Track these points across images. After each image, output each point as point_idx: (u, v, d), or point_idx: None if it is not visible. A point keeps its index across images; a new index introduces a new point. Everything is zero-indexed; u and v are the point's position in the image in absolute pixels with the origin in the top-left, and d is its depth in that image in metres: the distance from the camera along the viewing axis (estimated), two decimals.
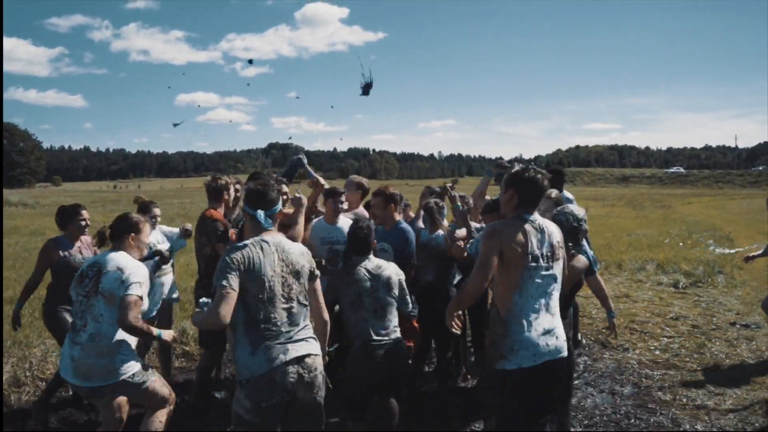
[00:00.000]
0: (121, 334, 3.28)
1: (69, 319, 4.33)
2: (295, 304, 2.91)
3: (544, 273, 2.93)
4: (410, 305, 4.06)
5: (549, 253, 2.95)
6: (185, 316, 7.18)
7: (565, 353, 2.99)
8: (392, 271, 3.94)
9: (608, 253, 13.29)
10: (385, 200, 4.69)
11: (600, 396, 5.09)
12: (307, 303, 2.99)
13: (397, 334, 3.87)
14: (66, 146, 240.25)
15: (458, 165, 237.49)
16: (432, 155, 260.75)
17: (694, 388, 5.19)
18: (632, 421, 4.58)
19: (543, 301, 2.93)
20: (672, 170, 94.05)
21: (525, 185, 3.00)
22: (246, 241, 2.89)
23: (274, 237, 2.95)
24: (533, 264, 2.89)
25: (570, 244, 3.63)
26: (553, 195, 4.42)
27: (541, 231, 2.97)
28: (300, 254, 2.98)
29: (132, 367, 3.33)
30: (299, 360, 2.84)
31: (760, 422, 4.49)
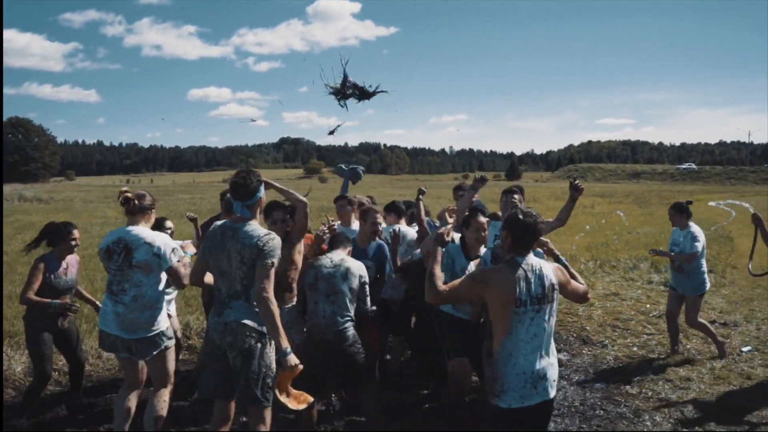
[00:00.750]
0: (158, 293, 3.86)
1: (48, 341, 4.68)
2: (237, 283, 3.41)
3: (533, 316, 3.02)
4: (368, 305, 4.38)
5: (540, 296, 3.04)
6: (189, 311, 7.60)
7: (552, 395, 3.14)
8: (355, 266, 4.30)
9: (604, 251, 13.57)
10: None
11: (571, 389, 5.43)
12: (248, 285, 3.39)
13: (348, 325, 4.18)
14: (80, 141, 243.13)
15: (469, 160, 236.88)
16: (443, 150, 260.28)
17: (660, 382, 5.51)
18: (597, 411, 4.92)
19: (533, 344, 3.03)
20: (684, 166, 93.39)
21: (519, 228, 3.11)
22: (219, 222, 3.59)
23: (239, 224, 3.45)
24: (521, 309, 2.99)
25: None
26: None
27: (533, 273, 3.05)
28: (251, 245, 3.34)
29: (166, 322, 3.94)
30: (220, 324, 3.41)
31: (715, 414, 4.81)
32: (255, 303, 3.34)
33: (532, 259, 3.12)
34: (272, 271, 3.33)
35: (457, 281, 3.24)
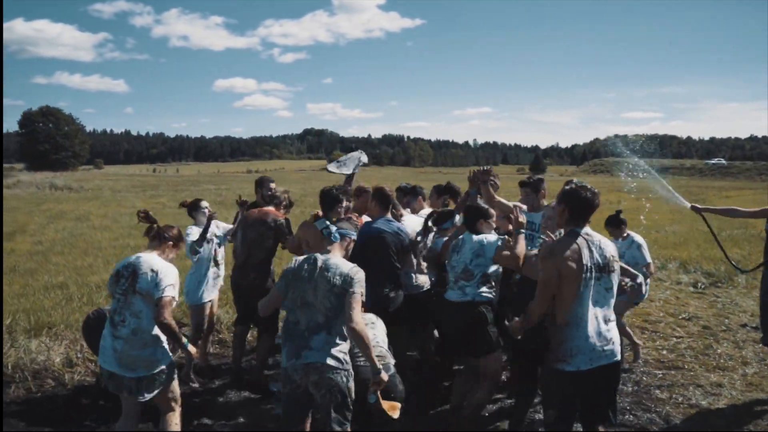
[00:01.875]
0: (157, 329, 3.65)
1: None
2: (320, 315, 3.38)
3: (599, 283, 3.18)
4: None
5: (601, 265, 3.19)
6: (219, 305, 7.72)
7: (618, 357, 3.28)
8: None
9: None
10: None
11: None
12: (336, 318, 3.37)
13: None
14: (108, 130, 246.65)
15: (493, 153, 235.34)
16: (467, 143, 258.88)
17: (691, 387, 5.48)
18: (627, 417, 4.91)
19: (599, 308, 3.20)
20: (713, 161, 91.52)
21: (577, 201, 3.26)
22: (302, 257, 3.58)
23: (326, 255, 3.51)
24: (588, 275, 3.14)
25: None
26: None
27: (593, 243, 3.21)
28: (339, 275, 3.39)
29: (167, 359, 3.73)
30: (305, 366, 3.35)
31: (748, 423, 4.78)
32: (337, 335, 3.37)
33: (590, 231, 3.28)
34: (360, 301, 3.41)
35: (538, 285, 3.30)
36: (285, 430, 3.53)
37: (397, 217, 5.01)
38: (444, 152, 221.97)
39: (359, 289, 3.40)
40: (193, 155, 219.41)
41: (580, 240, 3.18)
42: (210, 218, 5.46)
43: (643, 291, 6.01)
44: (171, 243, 3.87)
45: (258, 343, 5.76)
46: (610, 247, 3.27)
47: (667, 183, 5.89)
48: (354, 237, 3.72)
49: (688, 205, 5.66)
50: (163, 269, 3.65)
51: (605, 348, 3.17)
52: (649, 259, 5.96)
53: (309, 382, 3.36)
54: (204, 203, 5.78)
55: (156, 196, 31.25)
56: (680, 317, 7.92)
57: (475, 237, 4.31)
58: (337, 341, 3.39)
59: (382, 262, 4.61)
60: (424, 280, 4.97)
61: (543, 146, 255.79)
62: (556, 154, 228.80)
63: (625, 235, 6.08)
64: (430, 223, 4.94)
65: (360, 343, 3.33)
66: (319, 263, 3.45)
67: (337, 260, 3.48)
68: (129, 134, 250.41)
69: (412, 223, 5.12)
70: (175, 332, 3.58)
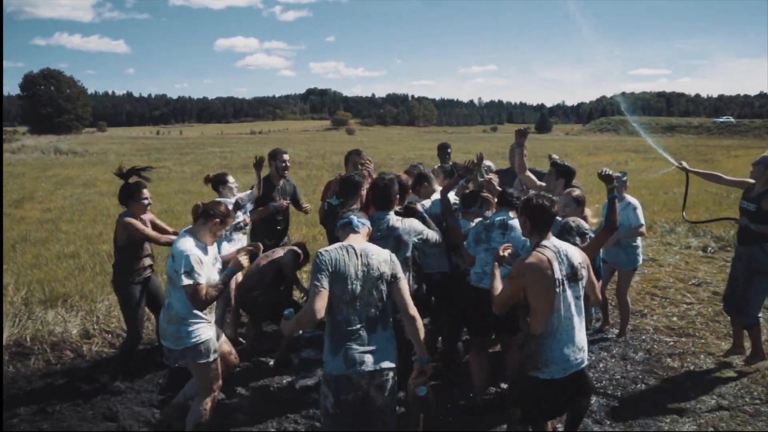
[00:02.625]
0: (184, 310, 3.67)
1: (141, 299, 4.93)
2: (373, 308, 3.14)
3: (569, 292, 3.19)
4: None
5: (570, 274, 3.19)
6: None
7: (586, 362, 3.34)
8: None
9: None
10: None
11: (611, 361, 5.48)
12: (387, 309, 3.19)
13: None
14: (110, 92, 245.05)
15: (498, 112, 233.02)
16: (471, 102, 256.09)
17: (702, 355, 5.53)
18: (638, 386, 4.96)
19: (573, 318, 3.21)
20: (721, 119, 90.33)
21: (533, 212, 3.26)
22: (335, 245, 3.20)
23: (361, 242, 3.25)
24: (560, 288, 3.15)
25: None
26: (574, 194, 4.57)
27: (559, 254, 3.20)
28: (383, 260, 3.17)
29: (195, 340, 3.68)
30: (372, 372, 3.11)
31: (758, 391, 4.83)
32: (389, 328, 3.21)
33: (555, 241, 3.29)
34: None
35: (501, 288, 3.34)
36: None
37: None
38: (448, 111, 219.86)
39: (402, 273, 3.26)
40: (196, 116, 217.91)
41: (548, 253, 3.17)
42: (237, 206, 5.49)
43: (638, 257, 6.01)
44: (218, 220, 3.78)
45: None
46: (577, 255, 3.27)
47: (653, 142, 6.00)
48: (370, 227, 3.52)
49: (675, 164, 5.62)
50: (178, 255, 3.60)
51: (577, 357, 3.24)
52: (642, 221, 5.92)
53: (373, 386, 3.13)
54: (231, 178, 5.66)
55: (161, 160, 31.17)
56: (690, 283, 7.94)
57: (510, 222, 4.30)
58: (391, 335, 3.24)
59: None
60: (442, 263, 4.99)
61: (549, 105, 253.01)
62: (562, 113, 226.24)
63: (622, 196, 6.06)
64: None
65: (417, 331, 3.17)
66: (359, 251, 3.15)
67: (372, 246, 3.24)
68: (131, 96, 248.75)
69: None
70: (215, 299, 3.67)
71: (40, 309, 6.38)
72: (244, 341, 5.71)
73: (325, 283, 3.02)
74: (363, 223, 3.40)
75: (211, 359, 3.78)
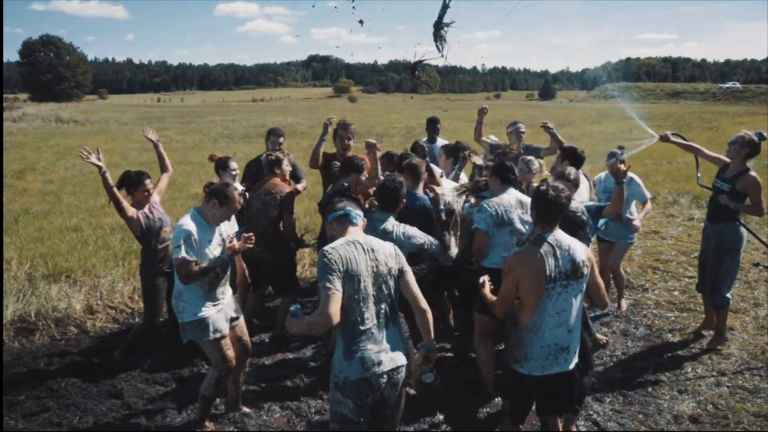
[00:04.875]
0: (182, 284, 3.71)
1: (162, 290, 4.94)
2: (384, 305, 3.01)
3: (561, 291, 3.08)
4: None
5: (569, 272, 3.08)
6: None
7: (573, 366, 3.25)
8: None
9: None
10: None
11: (613, 336, 5.50)
12: (395, 304, 3.08)
13: None
14: (110, 58, 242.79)
15: (502, 79, 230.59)
16: (475, 68, 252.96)
17: (703, 331, 5.54)
18: (639, 362, 4.99)
19: (559, 318, 3.11)
20: (727, 85, 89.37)
21: (541, 202, 3.13)
22: (340, 241, 3.01)
23: (365, 237, 3.08)
24: (550, 285, 3.06)
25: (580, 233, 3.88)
26: (571, 176, 4.33)
27: (560, 249, 3.09)
28: (389, 255, 3.05)
29: (189, 316, 3.74)
30: (390, 372, 3.00)
31: (758, 367, 4.85)
32: (400, 322, 3.13)
33: (560, 235, 3.16)
34: None
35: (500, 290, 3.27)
36: None
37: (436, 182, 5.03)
38: (451, 78, 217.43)
39: (408, 266, 3.15)
40: (197, 83, 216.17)
41: (545, 248, 3.08)
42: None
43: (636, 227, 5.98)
44: (216, 201, 3.74)
45: (280, 310, 5.52)
46: (581, 252, 3.14)
47: (636, 115, 6.04)
48: (365, 219, 3.35)
49: (657, 136, 5.59)
50: (176, 230, 3.68)
51: (559, 357, 3.16)
52: (648, 195, 5.93)
53: (389, 385, 3.02)
54: (234, 164, 5.58)
55: (163, 129, 30.97)
56: (692, 256, 7.92)
57: None
58: (401, 330, 3.15)
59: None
60: (453, 252, 4.97)
61: (553, 71, 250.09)
62: (566, 79, 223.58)
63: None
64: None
65: (427, 323, 3.09)
66: (365, 246, 2.99)
67: (376, 240, 3.09)
68: (131, 63, 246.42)
69: (449, 186, 5.17)
70: (203, 275, 3.67)
71: (44, 284, 6.40)
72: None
73: (338, 284, 2.83)
74: (359, 215, 3.22)
75: (210, 338, 3.78)
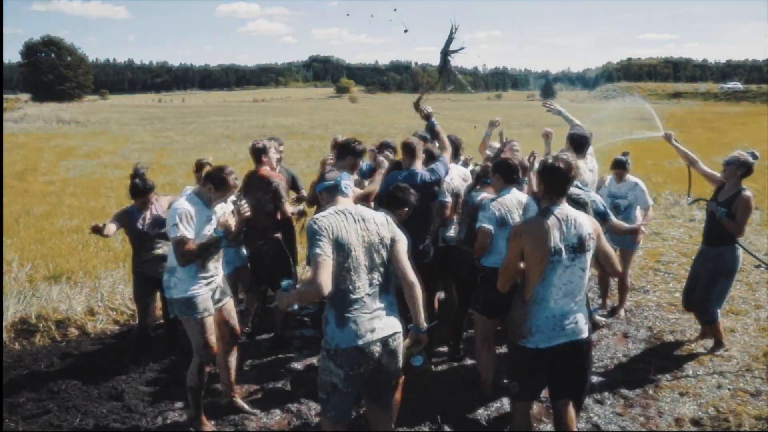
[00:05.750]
0: (175, 261, 3.73)
1: (150, 291, 5.00)
2: (376, 274, 2.97)
3: (567, 264, 3.09)
4: None
5: (576, 245, 3.09)
6: None
7: (583, 335, 3.23)
8: None
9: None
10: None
11: (613, 339, 5.50)
12: (388, 273, 3.04)
13: None
14: (111, 59, 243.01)
15: (502, 79, 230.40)
16: (476, 69, 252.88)
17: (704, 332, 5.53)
18: (639, 365, 4.98)
19: (565, 289, 3.12)
20: (728, 85, 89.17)
21: (549, 175, 3.15)
22: (329, 210, 2.96)
23: (355, 206, 3.04)
24: (555, 257, 3.06)
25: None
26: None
27: (566, 222, 3.10)
28: (381, 224, 3.02)
29: (179, 292, 3.76)
30: (385, 338, 2.96)
31: (759, 370, 4.84)
32: (392, 291, 3.07)
33: (567, 209, 3.18)
34: None
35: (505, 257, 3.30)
36: (340, 420, 3.05)
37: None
38: (453, 78, 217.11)
39: (401, 235, 3.10)
40: (198, 84, 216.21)
41: (551, 220, 3.09)
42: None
43: (638, 237, 5.97)
44: (212, 185, 3.77)
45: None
46: (587, 225, 3.15)
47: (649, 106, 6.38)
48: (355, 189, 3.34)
49: (662, 132, 5.59)
50: (171, 210, 3.72)
51: (566, 326, 3.15)
52: (651, 202, 5.97)
53: (386, 353, 2.98)
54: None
55: (164, 130, 31.04)
56: (693, 257, 7.89)
57: None
58: (395, 299, 3.08)
59: (428, 212, 4.64)
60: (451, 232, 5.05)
61: (554, 71, 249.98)
62: (567, 79, 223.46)
63: (626, 178, 6.01)
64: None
65: (415, 298, 3.01)
66: (355, 216, 2.95)
67: (367, 210, 3.06)
68: (132, 63, 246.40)
69: (459, 173, 5.23)
70: (200, 253, 3.68)
71: (45, 285, 6.41)
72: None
73: (328, 250, 2.79)
74: (349, 186, 3.14)
75: (197, 316, 3.78)
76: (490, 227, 4.14)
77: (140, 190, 4.78)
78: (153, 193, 4.86)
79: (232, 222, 3.84)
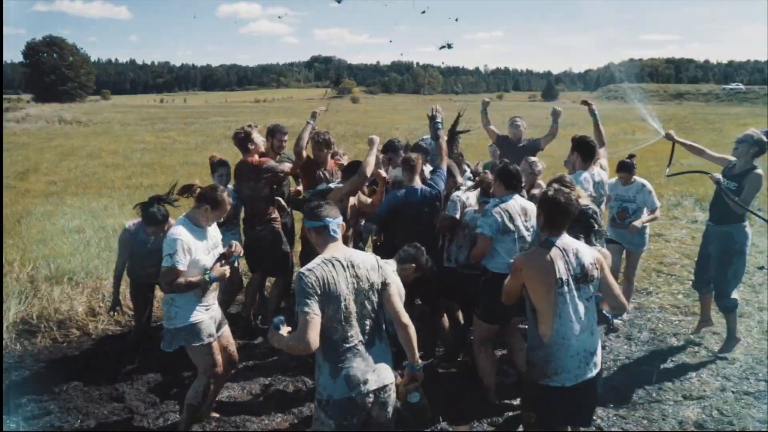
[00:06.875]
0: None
1: (147, 295, 5.11)
2: (368, 320, 2.92)
3: (577, 294, 3.05)
4: None
5: (580, 275, 3.06)
6: None
7: (599, 368, 3.23)
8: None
9: None
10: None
11: (617, 342, 5.47)
12: (380, 319, 2.99)
13: None
14: (113, 59, 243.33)
15: (504, 80, 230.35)
16: (477, 69, 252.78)
17: (707, 335, 5.51)
18: (642, 367, 4.96)
19: (582, 323, 3.06)
20: (731, 86, 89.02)
21: (548, 207, 3.11)
22: (317, 261, 2.87)
23: (344, 251, 2.95)
24: (563, 288, 3.02)
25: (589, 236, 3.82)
26: (567, 180, 4.03)
27: (570, 253, 3.07)
28: (371, 268, 2.94)
29: (180, 322, 3.72)
30: (376, 390, 2.90)
31: (763, 372, 4.82)
32: (385, 337, 3.01)
33: (567, 239, 3.14)
34: None
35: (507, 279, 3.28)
36: None
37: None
38: (454, 79, 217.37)
39: (393, 277, 3.06)
40: (200, 84, 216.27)
41: (554, 251, 3.04)
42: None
43: (647, 237, 6.07)
44: (208, 206, 3.74)
45: (272, 289, 5.79)
46: (588, 255, 3.11)
47: (646, 111, 6.36)
48: (343, 223, 3.16)
49: (662, 133, 5.58)
50: (169, 239, 3.62)
51: (589, 363, 3.12)
52: (658, 204, 5.93)
53: (377, 404, 2.92)
54: (222, 169, 5.54)
55: (165, 130, 31.01)
56: (695, 259, 7.87)
57: None
58: (387, 345, 3.04)
59: (430, 228, 4.67)
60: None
61: (555, 72, 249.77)
62: (569, 80, 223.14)
63: (632, 180, 5.99)
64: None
65: (410, 339, 2.98)
66: (344, 263, 2.87)
67: (357, 253, 2.98)
68: (134, 63, 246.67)
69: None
70: (185, 289, 3.65)
71: (46, 286, 6.40)
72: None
73: (316, 308, 2.73)
74: (339, 224, 3.03)
75: (204, 342, 3.78)
76: (490, 234, 4.08)
77: (157, 220, 4.66)
78: (167, 222, 4.71)
79: (227, 272, 3.86)
